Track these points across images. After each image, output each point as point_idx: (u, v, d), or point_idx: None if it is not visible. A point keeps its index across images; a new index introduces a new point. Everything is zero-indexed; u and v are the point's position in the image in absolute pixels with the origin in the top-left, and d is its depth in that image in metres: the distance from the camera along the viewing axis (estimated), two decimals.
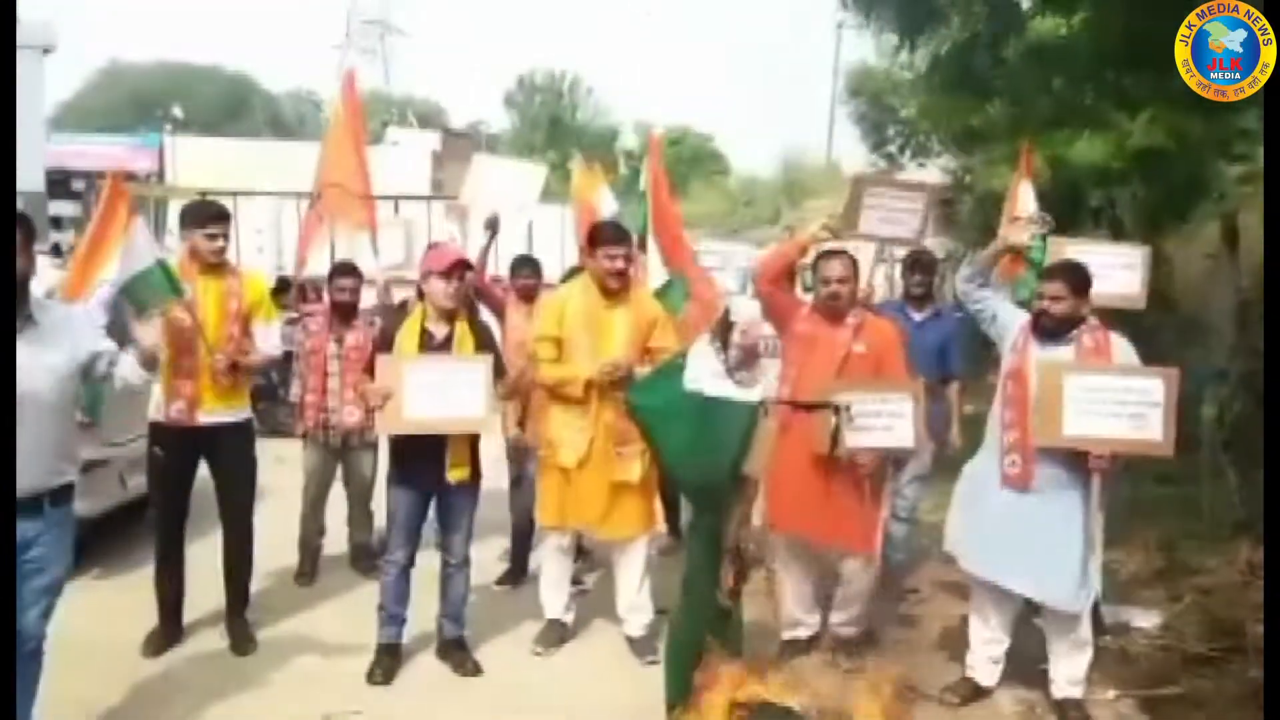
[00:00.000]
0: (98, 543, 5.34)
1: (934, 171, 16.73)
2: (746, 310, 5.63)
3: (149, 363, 3.17)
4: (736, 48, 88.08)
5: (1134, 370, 3.91)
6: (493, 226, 5.54)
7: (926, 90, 9.19)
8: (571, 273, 5.30)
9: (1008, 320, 4.02)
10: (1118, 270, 4.63)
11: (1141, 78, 6.54)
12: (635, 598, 4.48)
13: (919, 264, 5.39)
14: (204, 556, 4.54)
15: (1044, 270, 4.15)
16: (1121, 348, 3.93)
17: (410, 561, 4.19)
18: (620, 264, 4.28)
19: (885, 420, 3.95)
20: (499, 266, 5.90)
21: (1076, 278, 3.90)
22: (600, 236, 4.38)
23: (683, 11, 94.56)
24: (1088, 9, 6.42)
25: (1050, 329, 3.86)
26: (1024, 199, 5.20)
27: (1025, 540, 3.82)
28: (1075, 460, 3.77)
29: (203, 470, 4.37)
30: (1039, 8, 6.62)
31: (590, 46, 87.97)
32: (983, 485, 4.02)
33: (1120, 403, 3.65)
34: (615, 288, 4.29)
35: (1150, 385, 3.68)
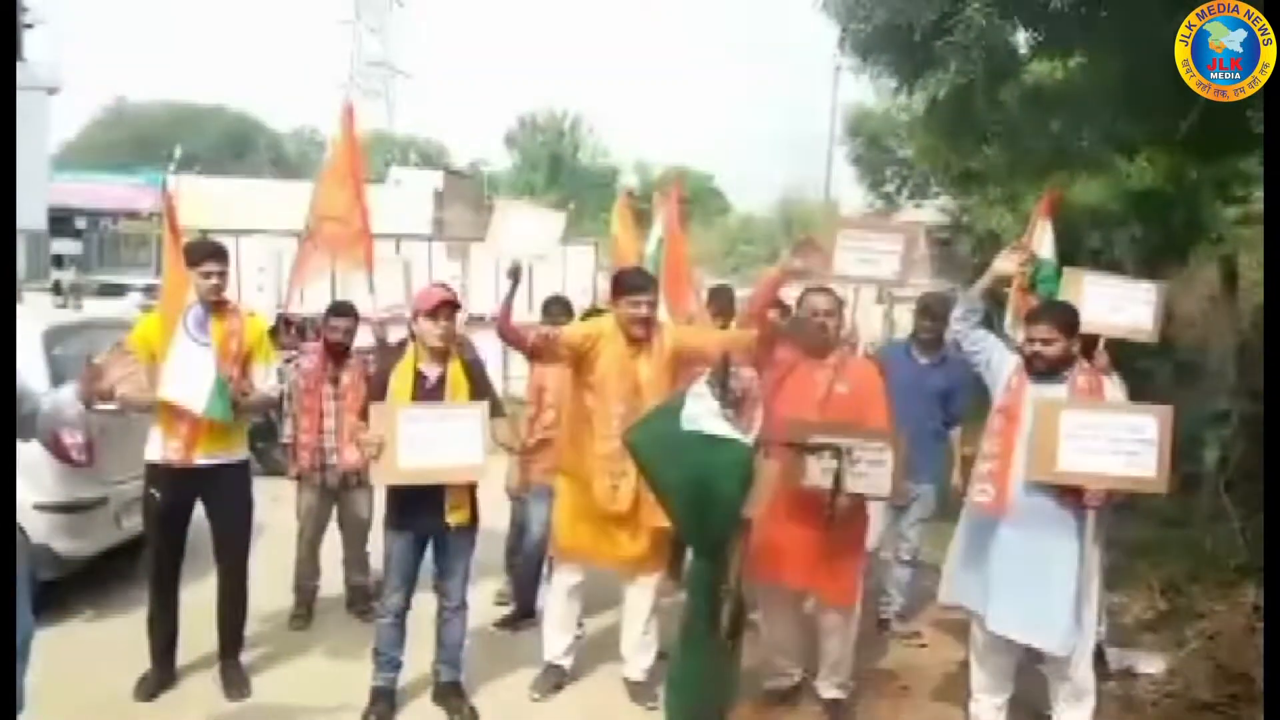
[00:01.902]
0: (91, 583, 5.30)
1: (931, 212, 16.82)
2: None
3: (89, 399, 3.11)
4: (736, 88, 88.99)
5: (1129, 407, 3.91)
6: (515, 274, 5.56)
7: (924, 132, 9.28)
8: (586, 314, 5.32)
9: (1001, 362, 3.99)
10: (1132, 304, 4.60)
11: (1138, 121, 6.59)
12: (640, 637, 4.43)
13: (930, 309, 5.30)
14: (198, 599, 4.49)
15: (1030, 313, 4.12)
16: (1113, 389, 3.92)
17: (406, 605, 4.14)
18: (644, 311, 4.23)
19: (862, 467, 3.87)
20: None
21: (1065, 318, 3.89)
22: (624, 284, 4.32)
23: (683, 51, 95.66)
24: (1084, 53, 6.48)
25: (1043, 371, 3.85)
26: (1041, 239, 5.19)
27: (1012, 578, 3.78)
28: (1064, 497, 3.74)
29: (198, 511, 4.33)
30: (1036, 52, 6.69)
31: (591, 87, 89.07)
32: (974, 523, 3.99)
33: (1115, 439, 3.63)
34: (640, 335, 4.26)
35: (1145, 422, 3.66)
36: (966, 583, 4.00)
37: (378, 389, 4.08)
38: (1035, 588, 3.75)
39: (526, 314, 5.68)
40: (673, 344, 4.33)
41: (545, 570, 5.21)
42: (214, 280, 4.17)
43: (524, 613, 5.29)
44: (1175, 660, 4.80)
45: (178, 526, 4.26)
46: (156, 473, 4.17)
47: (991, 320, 4.23)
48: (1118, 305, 4.54)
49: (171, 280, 3.97)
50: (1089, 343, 4.49)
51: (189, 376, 3.85)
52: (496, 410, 4.10)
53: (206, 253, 4.21)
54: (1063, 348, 3.82)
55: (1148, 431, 3.63)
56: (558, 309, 5.50)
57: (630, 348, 4.26)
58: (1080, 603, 3.79)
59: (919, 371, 5.17)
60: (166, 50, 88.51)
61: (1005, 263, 4.11)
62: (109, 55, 75.23)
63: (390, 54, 52.90)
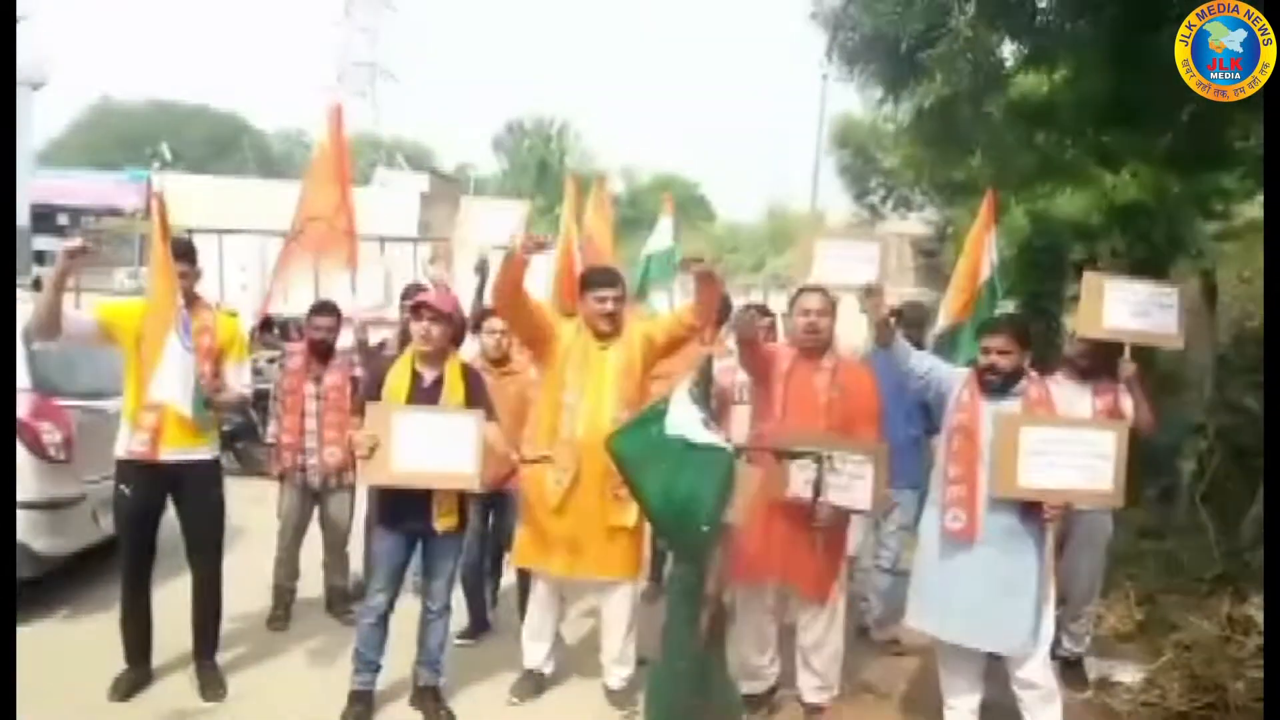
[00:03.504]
0: (68, 583, 5.26)
1: (917, 223, 16.92)
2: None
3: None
4: (724, 96, 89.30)
5: (1086, 422, 3.95)
6: (483, 269, 5.57)
7: (910, 143, 9.33)
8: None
9: (950, 381, 4.02)
10: (1155, 308, 4.48)
11: (1122, 135, 6.66)
12: (620, 648, 4.43)
13: (908, 318, 5.33)
14: (175, 598, 4.46)
15: (987, 325, 4.15)
16: (1063, 396, 3.96)
17: (390, 607, 4.12)
18: (610, 306, 4.29)
19: (845, 480, 3.89)
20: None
21: (1019, 331, 3.94)
22: (590, 280, 4.41)
23: (671, 60, 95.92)
24: (1069, 67, 6.54)
25: (996, 385, 3.88)
26: (990, 247, 5.24)
27: (971, 591, 3.80)
28: (1026, 511, 3.78)
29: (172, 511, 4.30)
30: (1021, 65, 6.74)
31: (579, 93, 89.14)
32: (931, 541, 4.00)
33: (1073, 454, 3.68)
34: (606, 330, 4.30)
35: (1102, 437, 3.72)
36: (926, 605, 4.01)
37: (373, 388, 4.08)
38: (995, 599, 3.78)
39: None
40: (642, 336, 4.37)
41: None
42: (184, 280, 4.14)
43: (479, 624, 5.24)
44: (1151, 670, 4.83)
45: (148, 524, 4.22)
46: (126, 469, 4.14)
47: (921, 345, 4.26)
48: (1141, 310, 4.44)
49: (160, 282, 3.91)
50: (1114, 351, 4.51)
51: (179, 380, 3.83)
52: (490, 414, 4.10)
53: (176, 252, 4.14)
54: (1017, 359, 3.87)
55: (1105, 446, 3.69)
56: None
57: (598, 341, 4.30)
58: (1040, 608, 3.83)
59: (899, 380, 5.18)
60: (152, 48, 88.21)
61: (875, 312, 4.10)
62: (94, 52, 74.85)
63: (378, 55, 52.77)
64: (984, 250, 5.24)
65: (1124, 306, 4.44)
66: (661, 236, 7.25)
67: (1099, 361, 4.61)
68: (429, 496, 4.01)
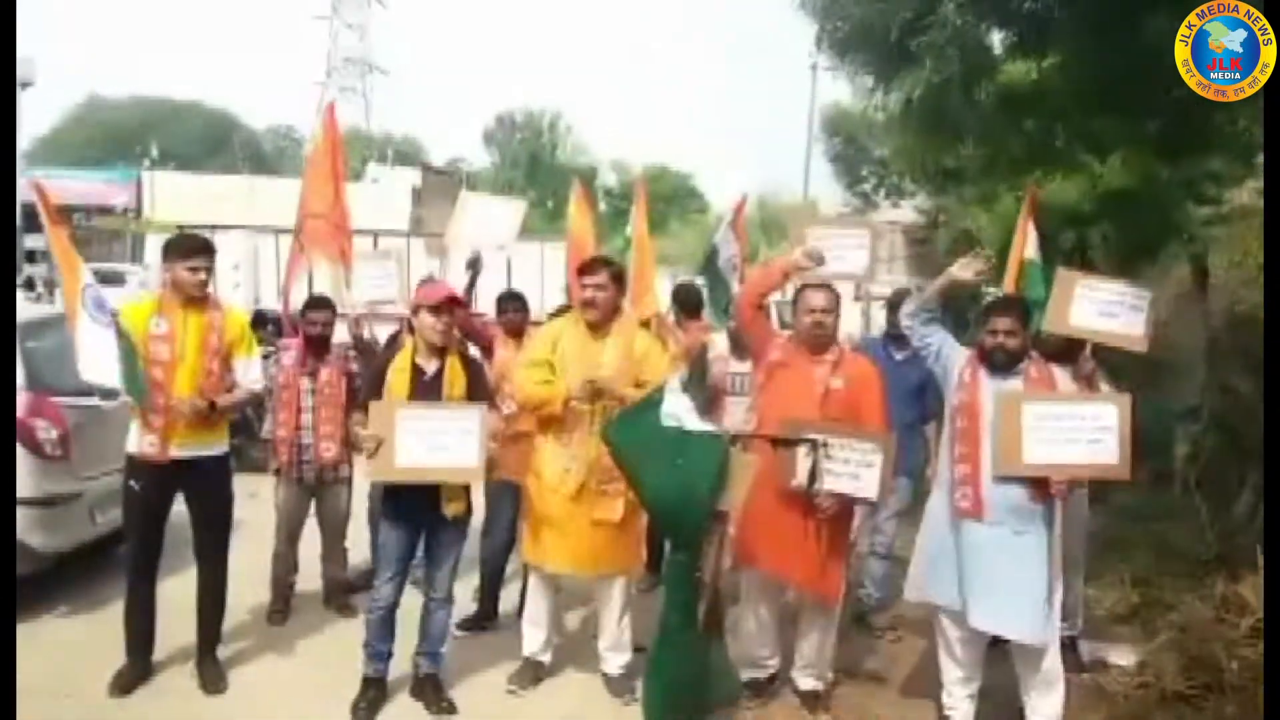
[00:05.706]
0: (65, 579, 5.26)
1: (908, 211, 16.95)
2: (718, 346, 5.66)
3: None
4: (714, 87, 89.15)
5: (1088, 397, 3.98)
6: (474, 265, 5.57)
7: (900, 131, 9.32)
8: (559, 311, 5.31)
9: (953, 356, 4.05)
10: (1125, 310, 4.47)
11: (1112, 122, 6.67)
12: (616, 636, 4.46)
13: (901, 305, 5.37)
14: (175, 593, 4.47)
15: (994, 305, 4.18)
16: (1063, 378, 3.99)
17: (397, 598, 4.14)
18: (589, 294, 4.29)
19: (853, 468, 3.90)
20: (478, 304, 5.91)
21: (1025, 311, 3.99)
22: (580, 269, 4.46)
23: (661, 50, 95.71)
24: (1058, 54, 6.55)
25: (1001, 363, 3.90)
26: (1028, 242, 5.26)
27: (987, 574, 3.82)
28: (1033, 491, 3.80)
29: (179, 505, 4.31)
30: (1010, 52, 6.75)
31: (570, 85, 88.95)
32: (941, 521, 4.03)
33: (1076, 429, 3.71)
34: (590, 319, 4.31)
35: (1105, 410, 3.76)
36: (939, 580, 4.02)
37: (375, 384, 4.09)
38: (1011, 581, 3.79)
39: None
40: (640, 349, 4.37)
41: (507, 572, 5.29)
42: (201, 275, 4.18)
43: (486, 615, 5.25)
44: (1146, 652, 4.86)
45: (157, 519, 4.23)
46: (136, 465, 4.15)
47: (942, 320, 4.26)
48: (1109, 310, 4.44)
49: (63, 266, 3.96)
50: (1076, 347, 4.53)
51: (100, 356, 3.86)
52: (492, 405, 4.12)
53: (196, 247, 4.22)
54: (1023, 340, 3.90)
55: (1108, 419, 3.72)
56: (513, 306, 5.50)
57: (593, 333, 4.31)
58: (1050, 591, 3.85)
59: (894, 367, 5.20)
60: (141, 45, 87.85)
61: (964, 271, 4.10)
62: (82, 50, 74.51)
63: (368, 51, 52.60)
64: (1026, 237, 5.29)
65: (1092, 306, 4.44)
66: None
67: (1063, 350, 4.63)
68: (437, 484, 4.03)
